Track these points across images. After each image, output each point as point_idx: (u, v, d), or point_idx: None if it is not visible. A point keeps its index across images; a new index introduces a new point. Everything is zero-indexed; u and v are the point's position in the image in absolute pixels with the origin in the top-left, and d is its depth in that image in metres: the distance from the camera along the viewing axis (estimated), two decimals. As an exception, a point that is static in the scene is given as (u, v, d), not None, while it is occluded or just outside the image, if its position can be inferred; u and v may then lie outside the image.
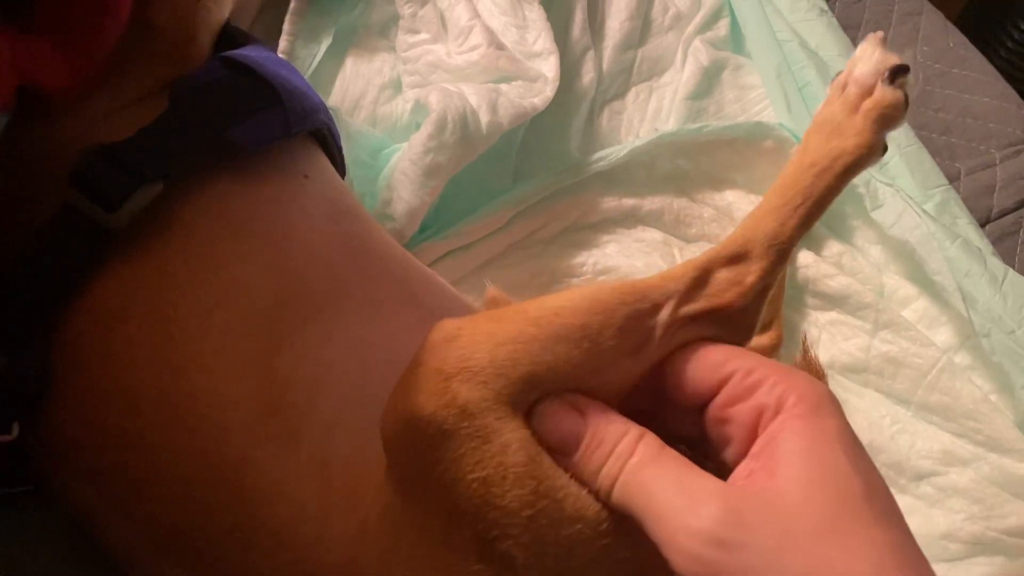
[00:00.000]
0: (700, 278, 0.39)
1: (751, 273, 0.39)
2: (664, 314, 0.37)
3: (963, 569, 0.66)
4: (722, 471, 0.35)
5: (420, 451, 0.35)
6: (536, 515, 0.34)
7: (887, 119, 0.44)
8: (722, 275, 0.39)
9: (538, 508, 0.34)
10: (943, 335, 0.75)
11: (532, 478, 0.34)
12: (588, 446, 0.35)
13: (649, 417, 0.38)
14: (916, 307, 0.76)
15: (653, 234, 0.78)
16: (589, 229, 0.76)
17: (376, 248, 0.51)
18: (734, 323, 0.39)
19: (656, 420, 0.38)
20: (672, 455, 0.34)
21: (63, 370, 0.42)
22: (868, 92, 0.44)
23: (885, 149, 0.45)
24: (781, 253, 0.40)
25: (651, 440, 0.35)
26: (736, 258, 0.40)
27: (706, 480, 0.33)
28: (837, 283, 0.75)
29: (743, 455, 0.35)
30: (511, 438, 0.34)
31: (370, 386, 0.43)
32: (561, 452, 0.35)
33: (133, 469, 0.41)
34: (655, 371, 0.38)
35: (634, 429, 0.35)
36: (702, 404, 0.37)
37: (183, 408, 0.41)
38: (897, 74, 0.45)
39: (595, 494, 0.35)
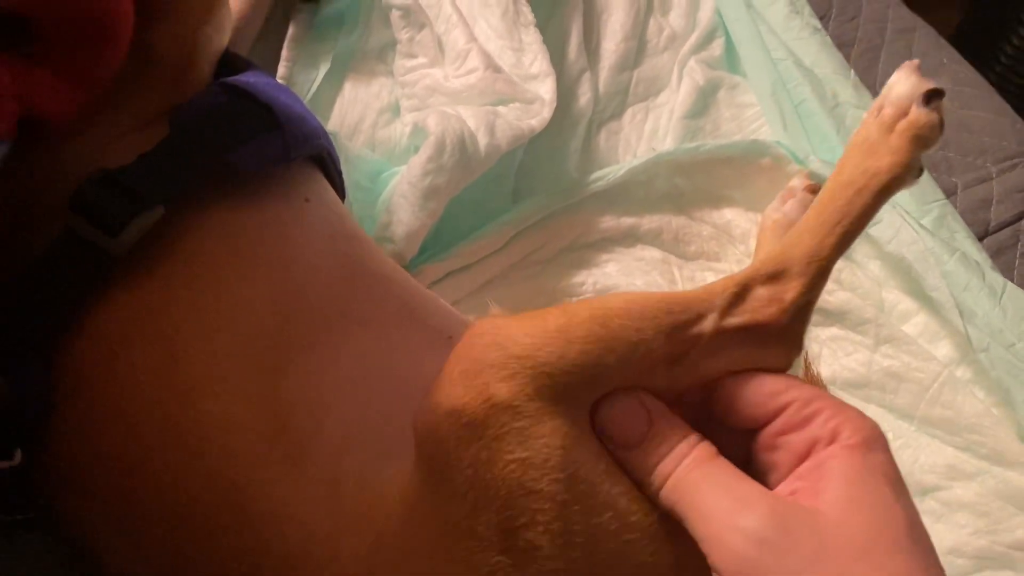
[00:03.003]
0: (740, 293, 0.39)
1: (790, 290, 0.40)
2: (707, 325, 0.38)
3: (970, 584, 0.66)
4: None
5: (466, 426, 0.35)
6: (570, 500, 0.35)
7: (922, 140, 0.44)
8: (762, 292, 0.40)
9: (573, 493, 0.35)
10: (944, 349, 0.75)
11: (574, 461, 0.35)
12: (650, 442, 0.36)
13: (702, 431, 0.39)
14: (916, 321, 0.76)
15: (652, 252, 0.78)
16: (588, 248, 0.77)
17: (378, 270, 0.51)
18: (779, 340, 0.40)
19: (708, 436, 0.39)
20: (725, 462, 0.36)
21: (66, 395, 0.42)
22: (903, 113, 0.44)
23: (921, 171, 0.45)
24: (821, 270, 0.41)
25: (707, 445, 0.37)
26: (775, 276, 0.40)
27: (755, 487, 0.35)
28: (837, 298, 0.75)
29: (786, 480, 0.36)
30: (561, 422, 0.35)
31: (375, 407, 0.43)
32: (623, 445, 0.37)
33: (137, 494, 0.41)
34: (705, 390, 0.39)
35: (693, 434, 0.37)
36: (753, 428, 0.38)
37: (187, 432, 0.41)
38: (932, 97, 0.45)
39: (645, 489, 0.36)
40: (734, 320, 0.39)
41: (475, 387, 0.35)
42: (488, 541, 0.35)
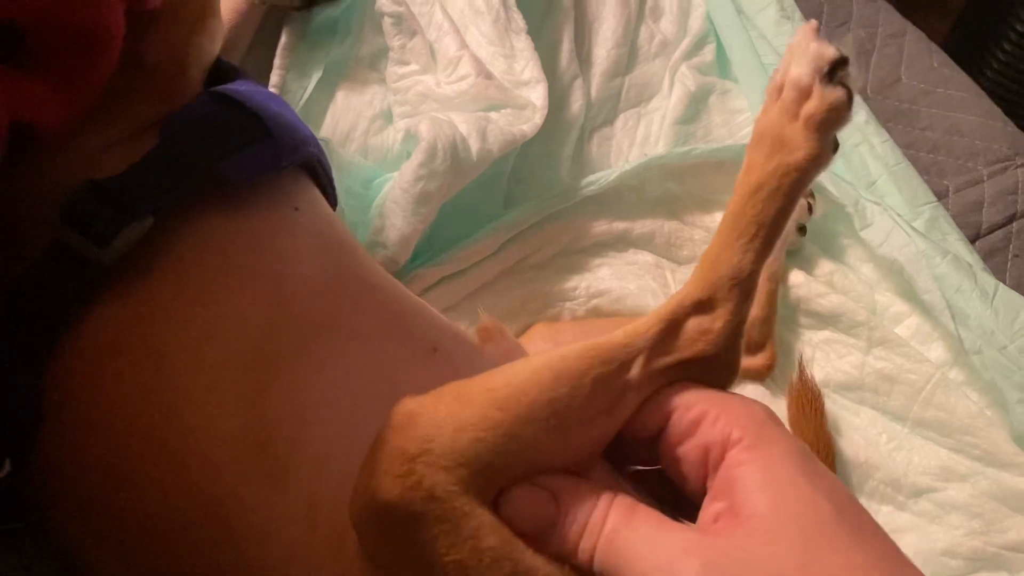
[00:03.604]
0: (667, 330, 0.37)
1: (718, 318, 0.38)
2: (634, 372, 0.36)
3: (965, 586, 0.66)
4: (691, 502, 0.35)
5: (392, 534, 0.34)
6: None
7: (831, 122, 0.39)
8: (690, 326, 0.37)
9: None
10: (937, 351, 0.75)
11: (509, 560, 0.33)
12: (561, 526, 0.34)
13: (618, 452, 0.38)
14: (909, 324, 0.76)
15: (645, 257, 0.78)
16: (581, 253, 0.77)
17: (367, 280, 0.51)
18: (711, 368, 0.38)
19: (624, 455, 0.38)
20: (644, 515, 0.34)
21: (54, 406, 0.42)
22: (806, 94, 0.39)
23: (836, 147, 0.40)
24: (745, 289, 0.38)
25: (621, 504, 0.34)
26: (701, 305, 0.38)
27: (679, 535, 0.33)
28: (829, 302, 0.76)
29: (701, 491, 0.35)
30: (481, 521, 0.33)
31: (359, 420, 0.43)
32: (535, 536, 0.35)
33: (123, 505, 0.41)
34: None
35: (604, 497, 0.35)
36: (653, 439, 0.37)
37: (173, 444, 0.41)
38: (836, 68, 0.39)
39: (577, 570, 0.34)
40: (662, 361, 0.37)
41: (404, 481, 0.33)
42: None
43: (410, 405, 0.35)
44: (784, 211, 0.39)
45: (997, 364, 0.70)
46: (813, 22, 0.41)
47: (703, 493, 0.35)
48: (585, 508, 0.34)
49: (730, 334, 0.38)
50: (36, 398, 0.42)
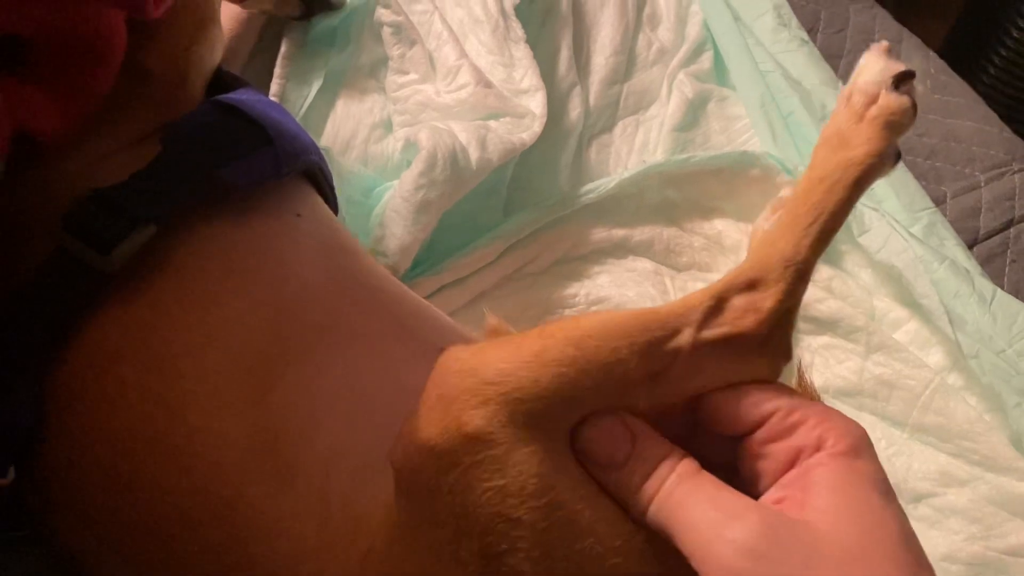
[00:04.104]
0: (718, 305, 0.38)
1: (768, 298, 0.38)
2: (684, 340, 0.37)
3: (965, 591, 0.66)
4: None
5: (440, 456, 0.35)
6: (550, 527, 0.34)
7: (894, 125, 0.42)
8: (739, 301, 0.38)
9: (552, 520, 0.34)
10: (935, 356, 0.75)
11: (551, 488, 0.34)
12: (634, 462, 0.36)
13: (683, 442, 0.38)
14: (908, 329, 0.77)
15: (644, 264, 0.78)
16: (580, 260, 0.77)
17: (369, 283, 0.51)
18: (762, 349, 0.38)
19: (689, 445, 0.38)
20: (709, 476, 0.35)
21: (58, 412, 0.42)
22: (873, 100, 0.43)
23: (899, 157, 0.43)
24: (799, 274, 0.39)
25: (690, 461, 0.36)
26: (752, 283, 0.38)
27: (741, 498, 0.34)
28: (828, 307, 0.76)
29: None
30: (537, 448, 0.35)
31: (365, 421, 0.43)
32: (607, 466, 0.36)
33: (128, 510, 0.41)
34: (690, 403, 0.38)
35: (676, 451, 0.36)
36: (739, 436, 0.37)
37: (177, 448, 0.41)
38: (902, 80, 0.43)
39: (631, 510, 0.36)
40: (711, 333, 0.37)
41: (449, 415, 0.35)
42: (472, 567, 0.35)
43: (461, 351, 0.37)
44: (844, 204, 0.41)
45: (995, 368, 0.71)
46: (884, 43, 0.45)
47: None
48: (657, 455, 0.36)
49: (780, 316, 0.38)
50: (39, 403, 0.42)
